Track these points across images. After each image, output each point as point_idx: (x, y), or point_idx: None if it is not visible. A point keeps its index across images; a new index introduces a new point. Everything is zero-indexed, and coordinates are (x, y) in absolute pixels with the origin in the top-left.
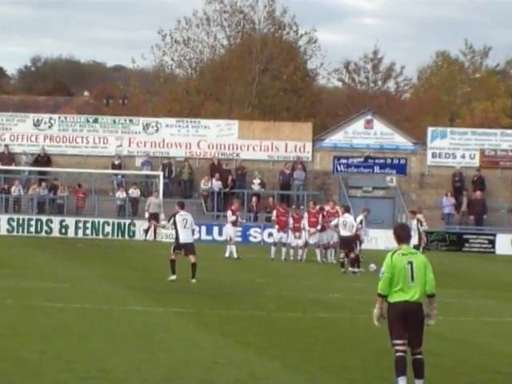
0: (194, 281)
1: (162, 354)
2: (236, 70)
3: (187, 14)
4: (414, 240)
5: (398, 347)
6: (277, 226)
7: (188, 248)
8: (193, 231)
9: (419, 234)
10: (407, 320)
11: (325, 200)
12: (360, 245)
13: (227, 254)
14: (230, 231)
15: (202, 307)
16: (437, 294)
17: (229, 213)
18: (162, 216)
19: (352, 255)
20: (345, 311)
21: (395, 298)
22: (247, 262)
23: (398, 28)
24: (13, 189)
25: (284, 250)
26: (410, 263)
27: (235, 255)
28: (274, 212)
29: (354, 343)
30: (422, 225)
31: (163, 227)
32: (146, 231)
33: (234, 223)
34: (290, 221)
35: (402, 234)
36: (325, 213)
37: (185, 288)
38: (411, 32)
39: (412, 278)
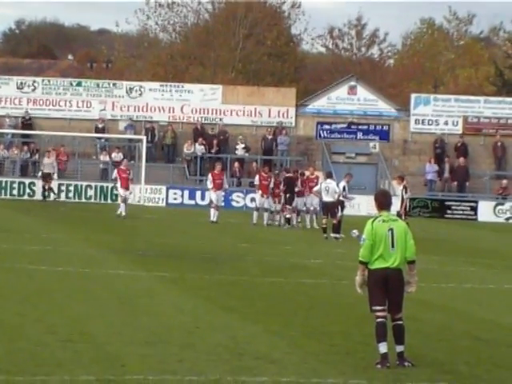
0: None
1: (144, 318)
2: (220, 34)
3: None
4: (397, 206)
5: (378, 313)
6: (260, 191)
7: None
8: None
9: (402, 200)
10: (387, 286)
11: (308, 166)
12: (342, 210)
13: (213, 218)
14: (212, 195)
15: (184, 272)
16: (418, 261)
17: (209, 176)
18: (55, 176)
19: (334, 221)
20: (327, 277)
21: (376, 264)
22: (230, 226)
23: None
24: None
25: (266, 214)
26: (391, 230)
27: (214, 219)
28: (257, 177)
29: (335, 309)
30: (406, 192)
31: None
32: (44, 191)
33: (218, 187)
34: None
35: (384, 201)
36: (304, 178)
37: (168, 252)
38: None
39: (392, 245)
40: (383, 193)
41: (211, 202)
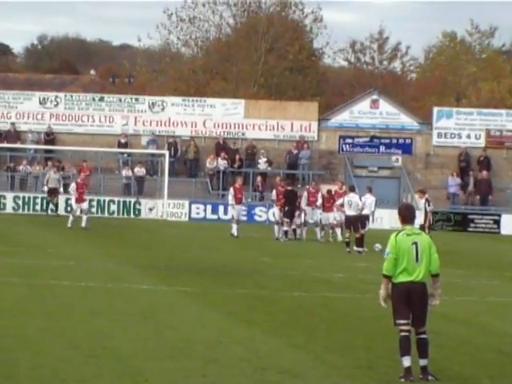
0: None
1: (167, 333)
2: (242, 49)
3: None
4: (420, 220)
5: (402, 327)
6: (278, 205)
7: None
8: None
9: (426, 213)
10: (411, 300)
11: (330, 180)
12: (367, 225)
13: (235, 233)
14: (233, 210)
15: (206, 286)
16: (441, 274)
17: (230, 190)
18: (61, 190)
19: (357, 235)
20: (350, 291)
21: (400, 278)
22: (252, 241)
23: (405, 8)
24: (21, 167)
25: (284, 229)
26: (415, 243)
27: (235, 233)
28: (274, 191)
29: (358, 323)
30: (429, 205)
31: None
32: (47, 205)
33: (239, 202)
34: None
35: (407, 215)
36: (332, 193)
37: (190, 267)
38: (418, 12)
39: (417, 259)
40: (407, 206)
41: (232, 216)
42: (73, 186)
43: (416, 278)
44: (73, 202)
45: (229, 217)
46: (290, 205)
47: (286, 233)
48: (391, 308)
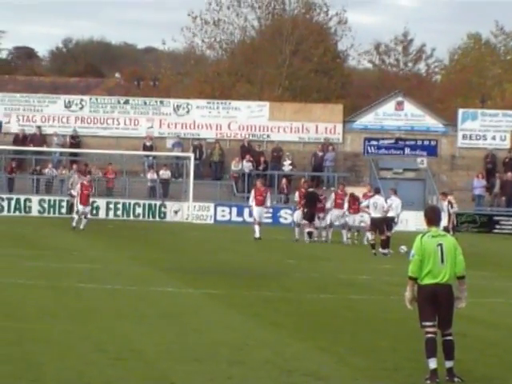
0: None
1: (193, 335)
2: (267, 51)
3: None
4: (444, 222)
5: (427, 329)
6: (300, 207)
7: None
8: None
9: (449, 215)
10: (437, 302)
11: (355, 182)
12: (393, 227)
13: (257, 234)
14: (254, 211)
15: (232, 288)
16: (467, 276)
17: (252, 192)
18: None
19: (382, 237)
20: (375, 293)
21: (425, 280)
22: (277, 243)
23: (430, 9)
24: (46, 170)
25: (307, 230)
26: (440, 245)
27: (257, 235)
28: (297, 193)
29: (383, 325)
30: (452, 207)
31: None
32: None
33: (259, 203)
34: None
35: (433, 217)
36: (355, 196)
37: (215, 269)
38: (443, 14)
39: (442, 260)
40: (433, 208)
41: (254, 218)
42: (78, 187)
43: (441, 280)
44: (78, 202)
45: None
46: (309, 207)
47: (309, 234)
48: (417, 310)
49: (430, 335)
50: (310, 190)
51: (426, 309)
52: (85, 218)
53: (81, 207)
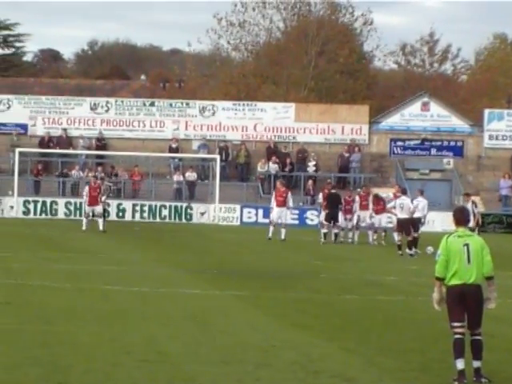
0: None
1: (219, 337)
2: (292, 52)
3: None
4: (469, 222)
5: (456, 329)
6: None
7: None
8: None
9: (474, 216)
10: (465, 302)
11: (381, 183)
12: (419, 228)
13: (283, 237)
14: (273, 212)
15: (258, 290)
16: (495, 277)
17: (274, 193)
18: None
19: (409, 237)
20: (402, 293)
21: (452, 281)
22: (303, 244)
23: (456, 10)
24: (73, 172)
25: (334, 231)
26: (466, 245)
27: (270, 235)
28: (321, 194)
29: (411, 325)
30: (476, 207)
31: None
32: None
33: (280, 204)
34: (342, 203)
35: (461, 217)
36: (379, 197)
37: (242, 271)
38: (469, 14)
39: (468, 261)
40: (461, 209)
41: (272, 219)
42: (86, 189)
43: (468, 281)
44: (85, 204)
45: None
46: (331, 208)
47: (324, 235)
48: (446, 310)
49: (457, 336)
50: (333, 191)
51: (455, 309)
52: (99, 218)
53: (88, 208)
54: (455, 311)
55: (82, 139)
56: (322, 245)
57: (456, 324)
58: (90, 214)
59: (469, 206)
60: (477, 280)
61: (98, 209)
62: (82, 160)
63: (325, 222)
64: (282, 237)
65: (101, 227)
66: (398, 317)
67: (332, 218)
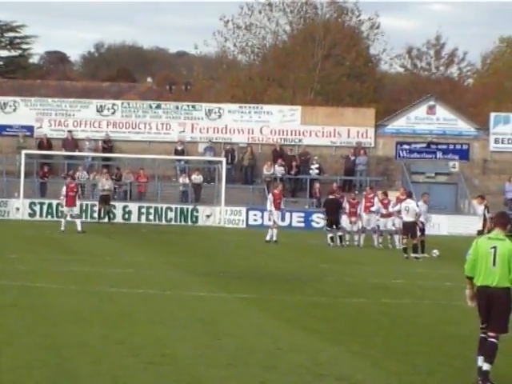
0: None
1: (226, 340)
2: (299, 55)
3: (249, 0)
4: (479, 226)
5: (481, 329)
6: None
7: None
8: None
9: (484, 219)
10: (489, 304)
11: (387, 186)
12: (424, 231)
13: (268, 238)
14: (271, 215)
15: (265, 293)
16: None
17: (269, 196)
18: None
19: (414, 241)
20: (408, 297)
21: (479, 282)
22: (310, 247)
23: (462, 13)
24: (78, 174)
25: (338, 234)
26: (494, 248)
27: (274, 238)
28: (345, 199)
29: (417, 329)
30: (488, 211)
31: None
32: (99, 213)
33: (278, 207)
34: (347, 206)
35: (499, 221)
36: (391, 199)
37: (248, 274)
38: (475, 17)
39: (494, 263)
40: (502, 213)
41: (274, 221)
42: (63, 189)
43: (492, 283)
44: (63, 205)
45: (286, 223)
46: (330, 214)
47: (331, 239)
48: (451, 313)
49: (481, 335)
50: (331, 196)
51: (480, 310)
52: (77, 218)
53: (66, 209)
54: (480, 311)
55: (88, 141)
56: (330, 248)
57: (481, 325)
58: (68, 214)
59: (480, 209)
60: (500, 283)
61: (76, 210)
62: (88, 162)
63: (328, 228)
64: (275, 238)
65: (79, 228)
66: (404, 320)
67: (333, 223)
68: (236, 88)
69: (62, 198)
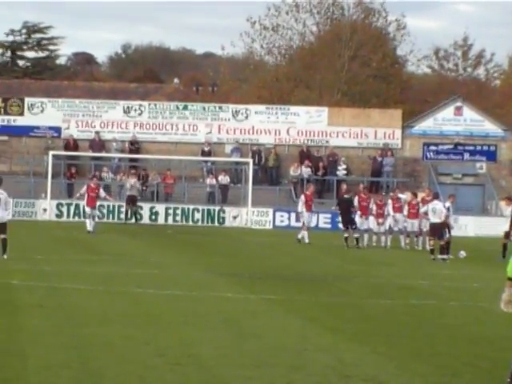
0: (5, 257)
1: (252, 341)
2: (325, 56)
3: (276, 1)
4: (506, 227)
5: None
6: (359, 212)
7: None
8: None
9: None
10: None
11: (415, 187)
12: (449, 232)
13: (299, 236)
14: (302, 217)
15: (291, 293)
16: None
17: (301, 197)
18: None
19: (441, 242)
20: (434, 298)
21: None
22: (336, 248)
23: (490, 14)
24: (103, 175)
25: (366, 236)
26: None
27: (306, 240)
28: (356, 198)
29: (443, 330)
30: None
31: None
32: (126, 213)
33: (310, 209)
34: (374, 207)
35: None
36: (419, 200)
37: (274, 275)
38: (502, 18)
39: None
40: None
41: (303, 223)
42: (84, 188)
43: None
44: (85, 204)
45: (313, 224)
46: (343, 213)
47: (345, 239)
48: (477, 315)
49: None
50: (346, 196)
51: None
52: (93, 220)
53: (88, 209)
54: None
55: (115, 142)
56: (346, 250)
57: None
58: (91, 214)
59: (508, 210)
60: None
61: (95, 212)
62: (115, 163)
63: (342, 228)
64: (307, 240)
65: (92, 228)
66: (429, 321)
67: (347, 222)
68: (262, 89)
69: (78, 195)
